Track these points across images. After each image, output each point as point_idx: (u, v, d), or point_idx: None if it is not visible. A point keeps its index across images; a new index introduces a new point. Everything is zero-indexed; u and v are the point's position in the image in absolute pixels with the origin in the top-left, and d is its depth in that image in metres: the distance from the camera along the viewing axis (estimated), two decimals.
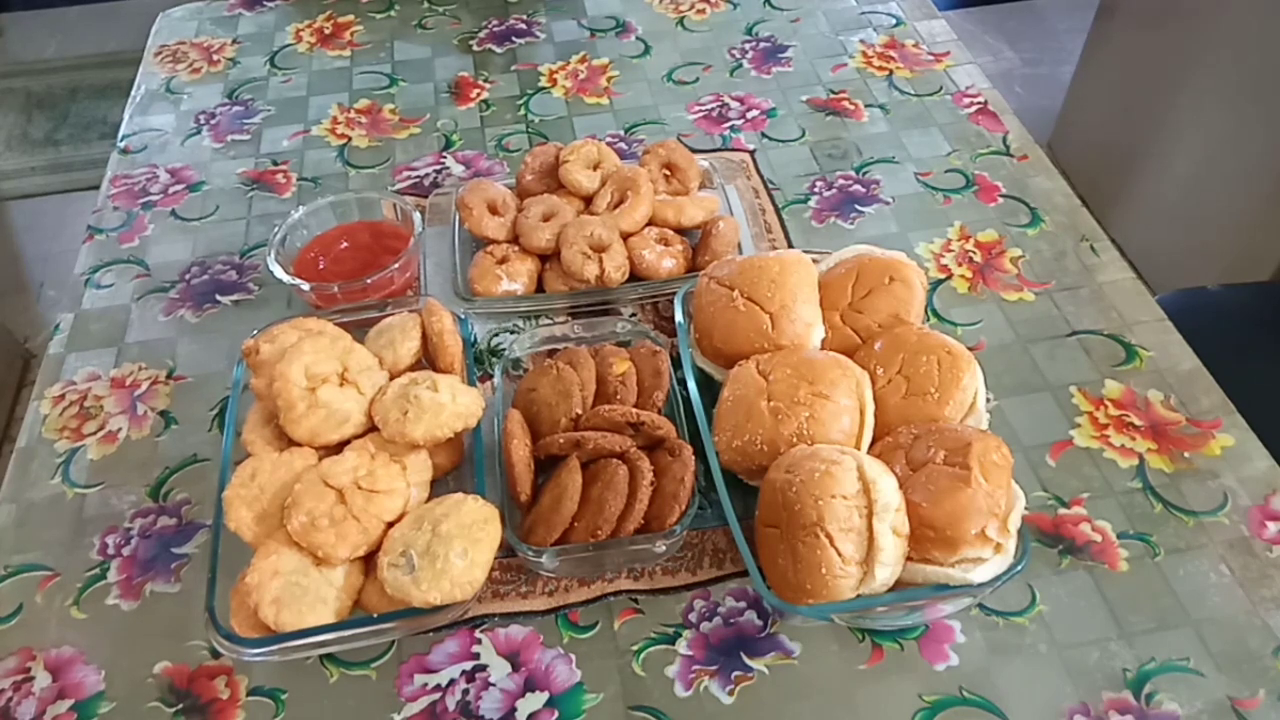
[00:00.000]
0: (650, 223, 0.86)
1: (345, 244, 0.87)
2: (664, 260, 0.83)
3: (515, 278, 0.83)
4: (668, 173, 0.91)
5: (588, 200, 0.89)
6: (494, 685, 0.62)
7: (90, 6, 2.69)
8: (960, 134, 1.02)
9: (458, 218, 0.89)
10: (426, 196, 0.96)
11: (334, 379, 0.68)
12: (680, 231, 0.87)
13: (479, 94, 1.10)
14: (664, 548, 0.65)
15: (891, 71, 1.11)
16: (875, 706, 0.61)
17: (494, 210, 0.88)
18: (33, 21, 2.67)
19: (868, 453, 0.64)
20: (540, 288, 0.85)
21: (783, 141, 1.02)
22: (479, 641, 0.64)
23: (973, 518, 0.58)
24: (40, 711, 0.62)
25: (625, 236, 0.84)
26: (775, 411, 0.65)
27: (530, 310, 0.85)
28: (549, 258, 0.85)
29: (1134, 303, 0.84)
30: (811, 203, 0.95)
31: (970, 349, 0.69)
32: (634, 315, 0.85)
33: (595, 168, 0.90)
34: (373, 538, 0.62)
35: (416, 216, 0.85)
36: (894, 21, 1.18)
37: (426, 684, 0.63)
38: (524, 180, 0.91)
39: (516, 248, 0.85)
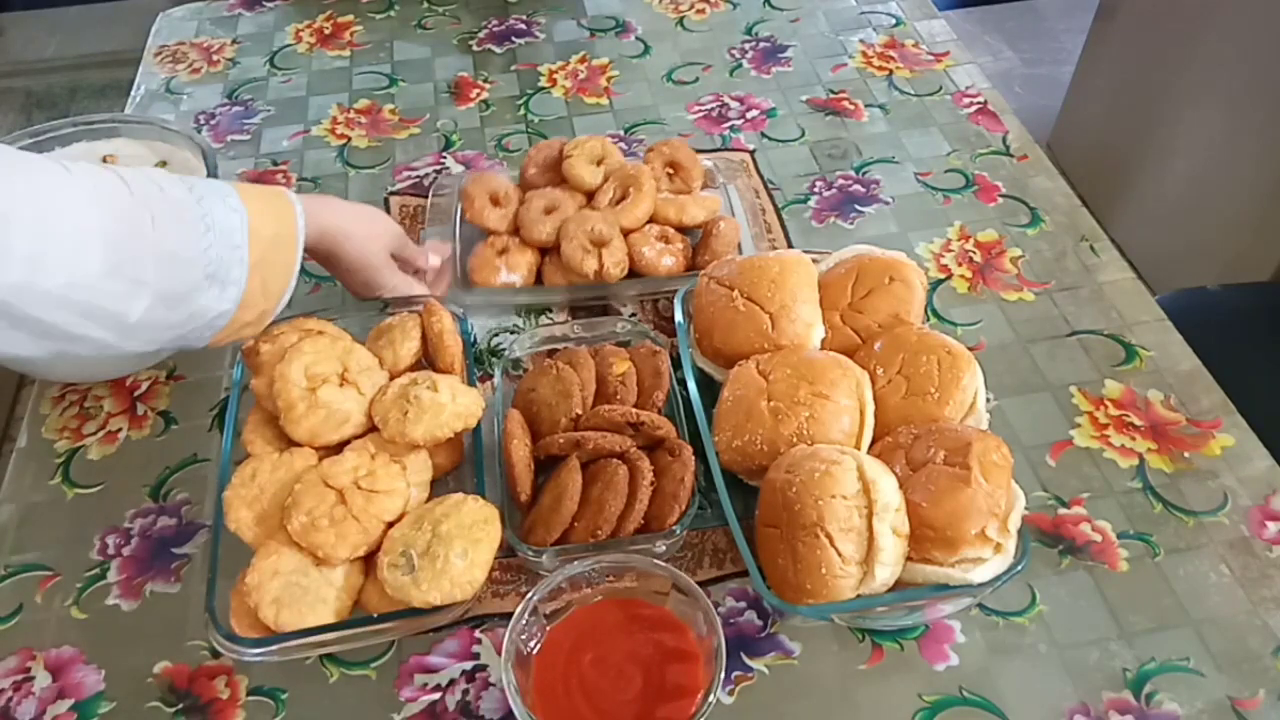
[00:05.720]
0: (651, 220, 0.86)
1: None
2: (663, 258, 0.83)
3: (515, 269, 0.83)
4: (671, 171, 0.91)
5: (590, 195, 0.89)
6: (494, 685, 0.62)
7: (90, 6, 2.68)
8: (960, 134, 1.02)
9: (459, 211, 0.88)
10: (427, 196, 0.96)
11: (334, 379, 0.68)
12: (681, 230, 0.87)
13: (479, 94, 1.10)
14: (664, 548, 0.65)
15: (891, 71, 1.11)
16: (875, 706, 0.61)
17: (496, 202, 0.88)
18: (33, 21, 2.67)
19: (868, 453, 0.64)
20: (539, 281, 0.85)
21: (783, 141, 1.02)
22: (479, 641, 0.64)
23: (973, 518, 0.58)
24: (40, 711, 0.62)
25: (626, 233, 0.84)
26: (775, 411, 0.65)
27: (528, 303, 0.84)
28: (549, 251, 0.85)
29: (1134, 303, 0.84)
30: (811, 203, 0.95)
31: (970, 349, 0.69)
32: (634, 315, 0.85)
33: (599, 163, 0.90)
34: (373, 538, 0.62)
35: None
36: (894, 21, 1.18)
37: (426, 684, 0.63)
38: (527, 174, 0.91)
39: (517, 239, 0.85)
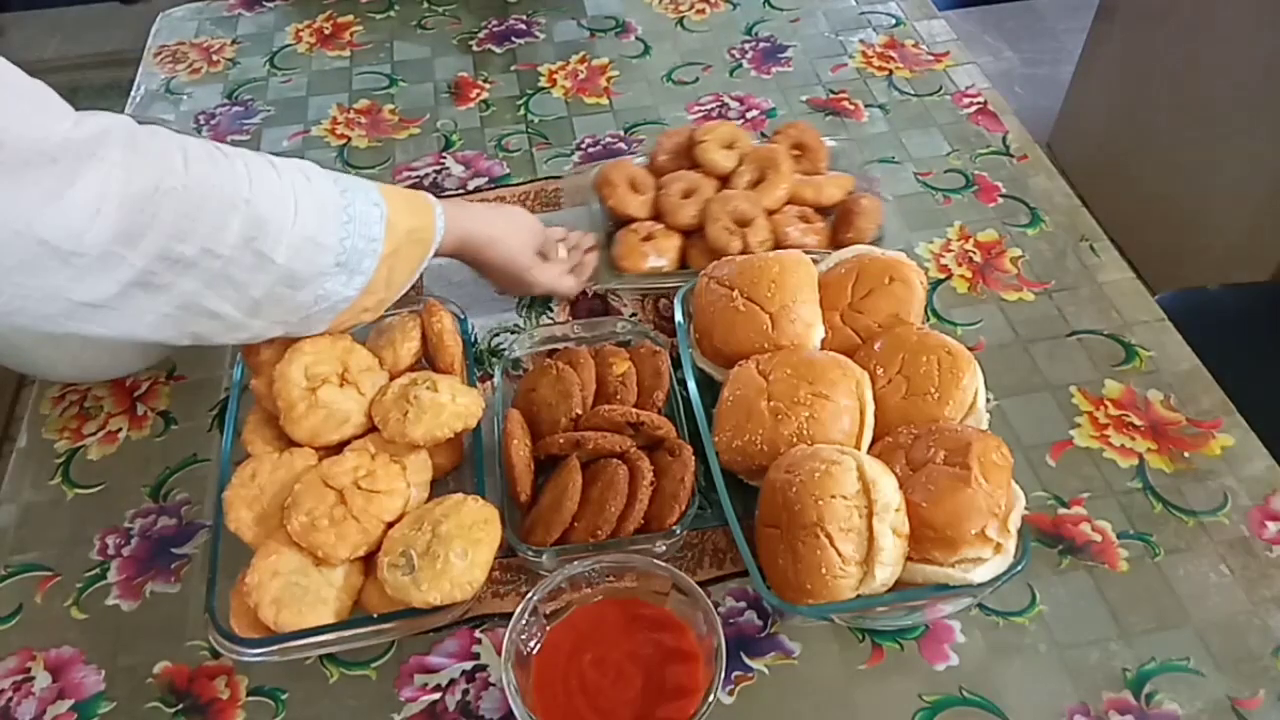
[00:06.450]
0: (789, 202, 0.87)
1: None
2: (808, 237, 0.84)
3: (663, 253, 0.84)
4: (798, 153, 0.91)
5: (724, 179, 0.89)
6: (494, 685, 0.62)
7: (90, 6, 2.68)
8: (960, 134, 1.02)
9: (595, 201, 0.89)
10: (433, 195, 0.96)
11: (334, 379, 0.68)
12: (819, 210, 0.88)
13: (479, 94, 1.10)
14: (664, 548, 0.65)
15: (891, 71, 1.11)
16: (875, 706, 0.61)
17: (634, 188, 0.88)
18: (33, 21, 2.67)
19: (868, 453, 0.64)
20: (684, 264, 0.85)
21: None
22: (479, 641, 0.65)
23: (973, 518, 0.58)
24: (40, 711, 0.62)
25: (768, 214, 0.85)
26: (775, 411, 0.65)
27: (679, 285, 0.83)
28: (691, 234, 0.86)
29: (1134, 303, 0.84)
30: None
31: (970, 349, 0.69)
32: (634, 315, 0.85)
33: (730, 147, 0.90)
34: (373, 538, 0.62)
35: None
36: (894, 21, 1.18)
37: (426, 684, 0.63)
38: (657, 160, 0.91)
39: (660, 225, 0.86)
